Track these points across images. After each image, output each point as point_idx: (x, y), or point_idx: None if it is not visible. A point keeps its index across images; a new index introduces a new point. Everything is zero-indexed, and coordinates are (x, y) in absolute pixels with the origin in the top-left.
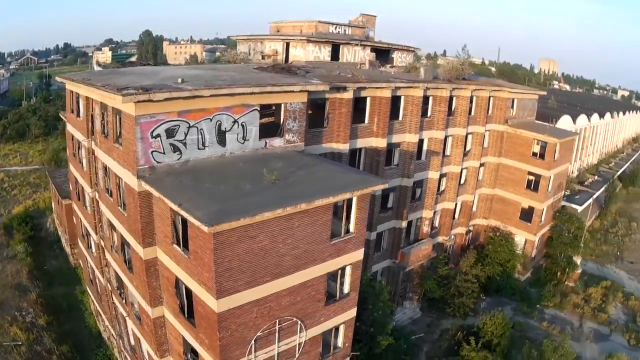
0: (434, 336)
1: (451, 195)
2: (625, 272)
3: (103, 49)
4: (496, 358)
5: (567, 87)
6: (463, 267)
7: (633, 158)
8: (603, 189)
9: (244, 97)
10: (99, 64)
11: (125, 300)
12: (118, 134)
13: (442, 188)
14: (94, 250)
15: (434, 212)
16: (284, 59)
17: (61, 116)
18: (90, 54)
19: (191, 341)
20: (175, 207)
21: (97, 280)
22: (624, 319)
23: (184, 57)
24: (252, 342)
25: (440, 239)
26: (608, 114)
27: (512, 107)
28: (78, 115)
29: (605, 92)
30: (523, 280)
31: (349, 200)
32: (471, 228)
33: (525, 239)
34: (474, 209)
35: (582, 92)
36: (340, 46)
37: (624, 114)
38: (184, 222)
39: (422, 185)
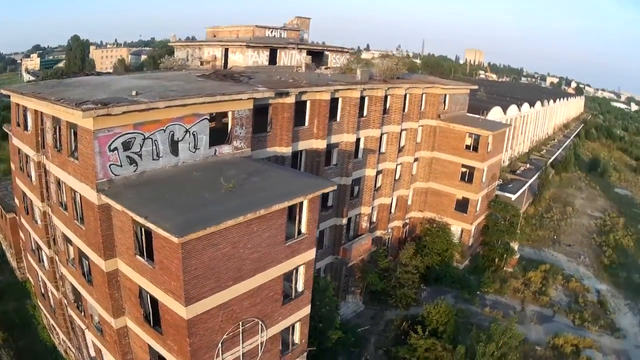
0: (379, 327)
1: (387, 190)
2: (564, 255)
3: (32, 55)
4: (444, 344)
5: (494, 77)
6: (403, 259)
7: (565, 145)
8: (536, 176)
9: (196, 107)
10: (28, 72)
11: (84, 313)
12: (73, 148)
13: (378, 184)
14: (46, 264)
15: (372, 208)
16: (222, 65)
17: (5, 130)
18: (19, 61)
19: (158, 349)
20: (141, 220)
21: (49, 294)
22: (566, 301)
23: (110, 61)
24: (219, 345)
25: (378, 233)
26: (538, 103)
27: (445, 102)
28: (25, 128)
29: (533, 79)
30: (462, 269)
31: (301, 203)
32: (407, 221)
33: (462, 228)
34: (410, 202)
35: (511, 81)
36: (278, 50)
37: (554, 101)
38: (148, 233)
39: (360, 183)
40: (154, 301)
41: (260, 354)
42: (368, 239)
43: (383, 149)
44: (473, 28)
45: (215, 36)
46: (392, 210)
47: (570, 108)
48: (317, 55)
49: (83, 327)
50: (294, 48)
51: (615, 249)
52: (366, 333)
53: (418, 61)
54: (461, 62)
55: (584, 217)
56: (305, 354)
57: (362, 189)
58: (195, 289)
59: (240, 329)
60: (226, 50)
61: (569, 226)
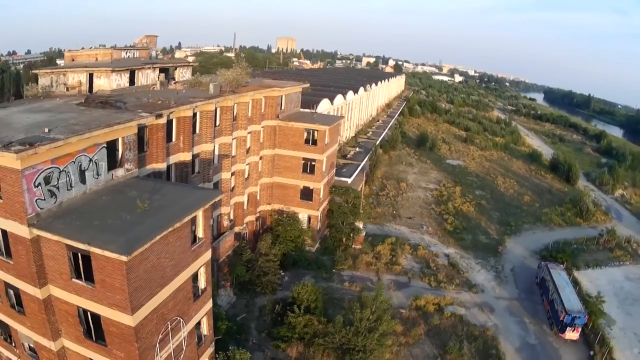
0: (254, 314)
1: (241, 189)
2: (407, 227)
3: None
4: (319, 318)
5: (308, 63)
6: (262, 249)
7: (390, 124)
8: (367, 158)
9: (97, 137)
10: None
11: (14, 344)
12: None
13: (233, 185)
14: None
15: (230, 207)
16: (87, 89)
17: None
18: None
19: None
20: (83, 246)
21: None
22: (418, 267)
23: None
24: (157, 344)
25: (237, 229)
26: (361, 89)
27: (282, 103)
28: None
29: (349, 61)
30: (314, 251)
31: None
32: (259, 215)
33: (309, 215)
34: (259, 197)
35: (327, 67)
36: (136, 71)
37: (376, 84)
38: (84, 257)
39: (219, 186)
40: (96, 317)
41: (184, 348)
42: (231, 235)
43: (234, 153)
44: (283, 15)
45: (74, 60)
46: (246, 207)
47: (392, 88)
48: (167, 71)
49: (14, 357)
50: (149, 68)
51: (456, 215)
52: (245, 320)
53: (231, 55)
54: (273, 51)
55: (419, 191)
56: (213, 343)
57: (220, 191)
58: (136, 299)
59: (169, 328)
60: (91, 75)
61: (405, 200)
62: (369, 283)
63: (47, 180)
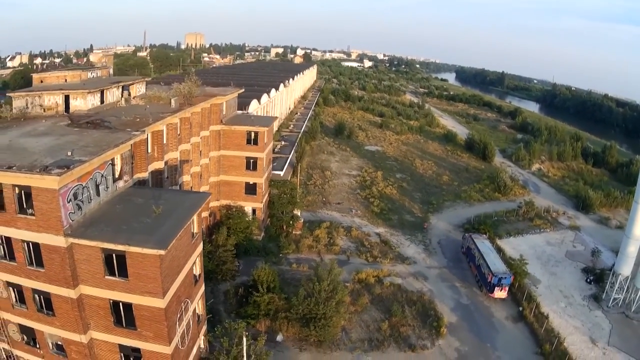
0: (220, 298)
1: (196, 189)
2: (338, 212)
3: None
4: (279, 296)
5: (218, 57)
6: (220, 241)
7: (309, 115)
8: (293, 150)
9: (108, 156)
10: None
11: (39, 345)
12: (24, 205)
13: (191, 185)
14: None
15: None
16: (64, 109)
17: None
18: None
19: (130, 343)
20: (122, 247)
21: None
22: (353, 246)
23: None
24: (177, 322)
25: None
26: (282, 85)
27: (224, 108)
28: None
29: (257, 52)
30: (261, 240)
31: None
32: (211, 210)
33: (254, 207)
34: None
35: (240, 63)
36: (105, 91)
37: (293, 79)
38: (118, 256)
39: (182, 187)
40: (127, 306)
41: (191, 326)
42: None
43: (191, 157)
44: (191, 10)
45: (42, 82)
46: None
47: (306, 80)
48: (126, 88)
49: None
50: (115, 87)
51: (380, 198)
52: (213, 304)
53: (142, 54)
54: (183, 47)
55: (343, 178)
56: (206, 320)
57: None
58: (165, 285)
59: (183, 308)
60: (67, 96)
61: (332, 188)
62: (313, 263)
63: (75, 196)
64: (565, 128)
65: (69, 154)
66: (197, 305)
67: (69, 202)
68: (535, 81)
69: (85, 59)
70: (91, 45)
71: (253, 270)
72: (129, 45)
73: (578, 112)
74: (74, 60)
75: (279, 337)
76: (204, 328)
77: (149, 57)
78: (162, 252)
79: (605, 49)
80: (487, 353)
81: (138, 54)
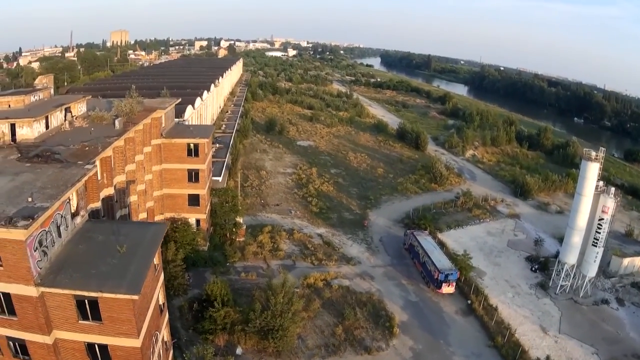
0: (176, 314)
1: (143, 207)
2: (277, 214)
3: None
4: (234, 309)
5: (144, 54)
6: (169, 257)
7: (239, 113)
8: (229, 153)
9: (67, 196)
10: None
11: None
12: None
13: (139, 204)
14: None
15: None
16: (10, 139)
17: None
18: None
19: None
20: (95, 294)
21: None
22: (297, 250)
23: None
24: (150, 356)
25: None
26: (212, 85)
27: (163, 121)
28: None
29: (181, 46)
30: (207, 250)
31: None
32: None
33: (198, 218)
34: (154, 209)
35: (167, 60)
36: (49, 116)
37: (222, 77)
38: (90, 302)
39: (130, 208)
40: (102, 347)
41: (162, 355)
42: None
43: (136, 176)
44: (115, 7)
45: None
46: (146, 219)
47: (234, 75)
48: (68, 110)
49: None
50: (58, 110)
51: (318, 197)
52: (170, 321)
53: (69, 54)
54: (108, 44)
55: (278, 177)
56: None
57: (131, 212)
58: (138, 325)
59: (154, 341)
60: (13, 125)
61: (269, 188)
62: (260, 270)
63: (40, 243)
64: (497, 111)
65: (30, 200)
66: (164, 333)
67: (35, 251)
68: (462, 62)
69: (15, 63)
70: (20, 49)
71: (205, 284)
72: (56, 46)
73: (508, 93)
74: (4, 65)
75: (239, 350)
76: (171, 353)
77: (76, 59)
78: (135, 297)
79: (533, 28)
80: (441, 350)
81: (66, 54)
